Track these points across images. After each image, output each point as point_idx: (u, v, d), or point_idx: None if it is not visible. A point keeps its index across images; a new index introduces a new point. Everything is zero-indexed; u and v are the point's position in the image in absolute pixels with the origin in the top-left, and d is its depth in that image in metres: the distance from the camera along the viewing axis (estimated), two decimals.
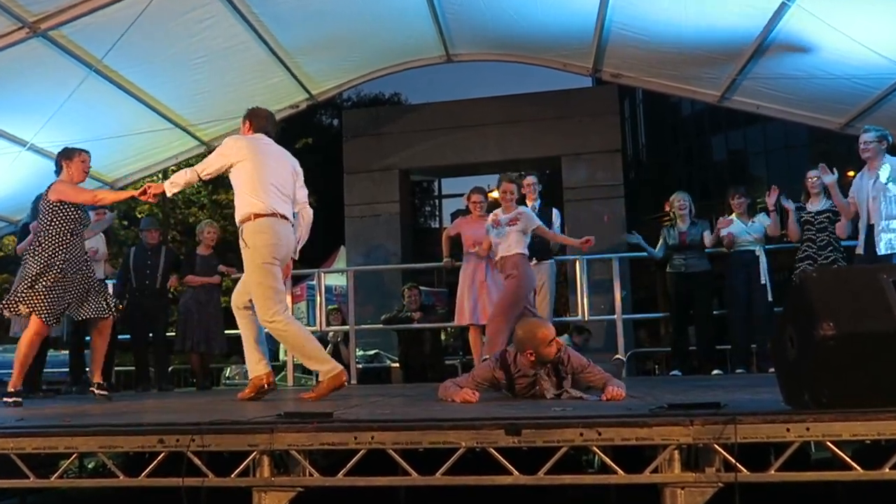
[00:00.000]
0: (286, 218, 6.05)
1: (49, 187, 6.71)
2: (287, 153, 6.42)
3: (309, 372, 12.83)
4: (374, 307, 13.29)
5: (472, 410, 4.50)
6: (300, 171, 6.41)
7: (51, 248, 6.49)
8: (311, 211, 6.50)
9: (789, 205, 8.80)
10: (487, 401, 5.33)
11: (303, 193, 6.37)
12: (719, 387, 6.25)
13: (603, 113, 15.89)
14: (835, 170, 8.41)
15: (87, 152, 6.93)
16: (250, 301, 6.08)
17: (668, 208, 9.65)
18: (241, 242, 6.03)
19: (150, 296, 9.53)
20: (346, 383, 5.94)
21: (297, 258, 6.52)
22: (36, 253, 6.52)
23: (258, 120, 6.31)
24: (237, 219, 6.06)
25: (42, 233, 6.58)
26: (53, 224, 6.55)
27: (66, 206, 6.59)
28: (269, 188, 5.97)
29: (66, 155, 6.83)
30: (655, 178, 38.38)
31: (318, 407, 4.82)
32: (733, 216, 9.16)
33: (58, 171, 6.83)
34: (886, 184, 7.73)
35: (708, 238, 9.17)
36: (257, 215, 5.92)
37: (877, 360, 3.32)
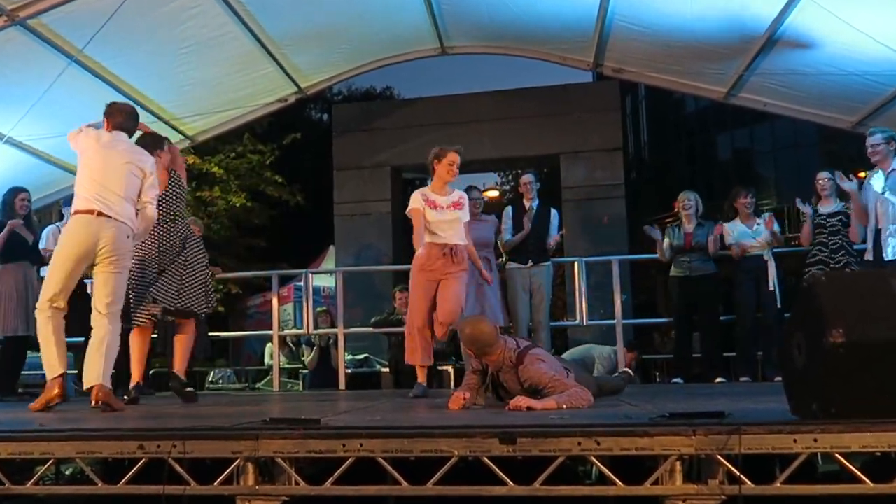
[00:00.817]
0: (105, 215, 6.12)
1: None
2: (139, 152, 6.54)
3: (295, 377, 12.87)
4: (363, 309, 13.23)
5: (465, 417, 4.49)
6: (150, 170, 6.49)
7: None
8: (151, 211, 6.56)
9: (807, 208, 8.77)
10: (482, 407, 5.34)
11: (150, 194, 6.48)
12: (723, 395, 6.25)
13: (603, 109, 15.84)
14: (852, 176, 8.40)
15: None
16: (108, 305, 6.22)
17: (676, 208, 9.57)
18: None
19: None
20: (58, 400, 5.93)
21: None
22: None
23: (114, 117, 6.48)
24: None
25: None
26: None
27: None
28: (93, 185, 6.14)
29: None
30: (658, 177, 38.40)
31: (304, 412, 4.81)
32: (730, 222, 9.15)
33: None
34: (883, 193, 7.74)
35: (711, 244, 9.09)
36: (76, 211, 6.15)
37: (888, 369, 3.31)
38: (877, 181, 7.91)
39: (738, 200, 9.18)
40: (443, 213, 7.18)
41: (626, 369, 8.54)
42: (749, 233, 8.99)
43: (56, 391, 5.91)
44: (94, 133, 6.35)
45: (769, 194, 33.06)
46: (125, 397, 6.91)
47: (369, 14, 10.18)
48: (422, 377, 7.22)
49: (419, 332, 7.08)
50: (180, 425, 3.97)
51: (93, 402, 5.95)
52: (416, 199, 7.25)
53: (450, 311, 6.97)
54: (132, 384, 7.12)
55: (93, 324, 6.19)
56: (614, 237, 14.79)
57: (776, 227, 9.01)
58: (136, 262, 6.72)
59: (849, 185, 8.23)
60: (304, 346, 12.30)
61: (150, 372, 10.65)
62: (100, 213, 6.07)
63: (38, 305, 6.12)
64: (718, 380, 8.92)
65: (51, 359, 6.01)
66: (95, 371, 5.98)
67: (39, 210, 10.42)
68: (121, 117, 6.47)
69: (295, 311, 16.23)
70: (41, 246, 9.02)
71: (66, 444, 3.78)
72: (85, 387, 6.06)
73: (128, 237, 6.23)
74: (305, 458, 3.66)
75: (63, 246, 6.17)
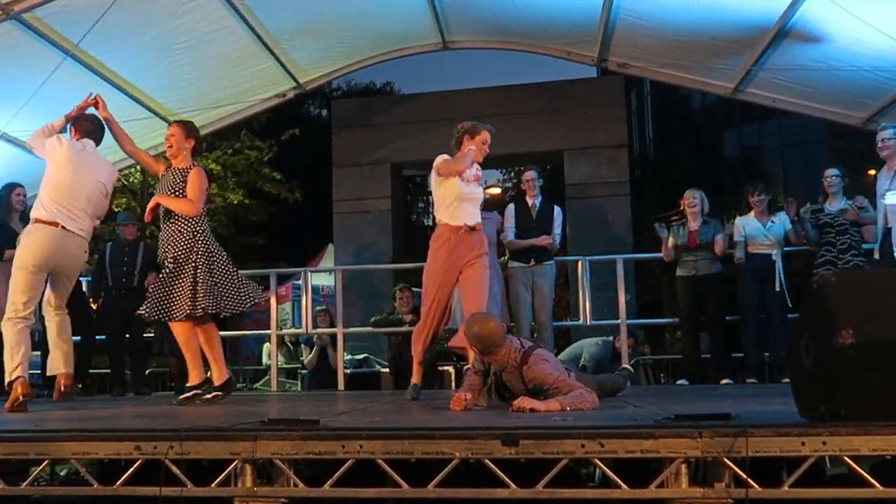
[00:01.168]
0: (69, 230, 6.28)
1: None
2: (105, 167, 6.71)
3: (293, 377, 12.88)
4: (363, 309, 13.21)
5: (466, 419, 4.49)
6: (111, 189, 6.72)
7: None
8: (97, 226, 6.80)
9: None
10: (484, 408, 5.34)
11: (102, 213, 6.73)
12: (729, 397, 6.25)
13: (608, 105, 15.81)
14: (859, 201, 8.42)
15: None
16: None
17: (682, 205, 9.56)
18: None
19: (127, 294, 9.48)
20: (23, 398, 5.98)
21: None
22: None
23: (81, 125, 6.64)
24: None
25: None
26: None
27: None
28: (59, 198, 6.29)
29: None
30: (663, 174, 38.39)
31: (303, 413, 4.81)
32: (744, 216, 9.13)
33: None
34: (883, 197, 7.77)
35: (719, 245, 9.07)
36: (37, 220, 6.28)
37: None
38: (883, 180, 7.93)
39: (749, 198, 9.23)
40: (469, 186, 6.86)
41: (626, 366, 8.51)
42: (761, 229, 8.98)
43: (19, 391, 5.99)
44: (66, 142, 6.46)
45: (777, 191, 33.02)
46: (129, 395, 6.98)
47: (369, 8, 10.18)
48: (417, 375, 7.16)
49: (431, 318, 6.83)
50: (177, 426, 3.96)
51: (60, 390, 6.29)
52: (444, 157, 7.03)
53: (479, 299, 6.68)
54: (197, 381, 6.78)
55: (51, 318, 6.48)
56: (618, 235, 14.77)
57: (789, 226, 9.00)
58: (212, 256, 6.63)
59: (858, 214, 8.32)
60: (302, 345, 12.30)
61: (147, 371, 10.68)
62: (63, 227, 6.23)
63: (6, 314, 6.23)
64: (724, 381, 8.91)
65: (11, 364, 6.13)
66: (62, 360, 6.32)
67: None
68: (89, 123, 6.64)
69: (293, 310, 16.22)
70: None
71: (61, 444, 3.78)
72: (49, 373, 6.37)
73: (85, 252, 6.48)
74: (304, 459, 3.66)
75: (26, 255, 6.23)
